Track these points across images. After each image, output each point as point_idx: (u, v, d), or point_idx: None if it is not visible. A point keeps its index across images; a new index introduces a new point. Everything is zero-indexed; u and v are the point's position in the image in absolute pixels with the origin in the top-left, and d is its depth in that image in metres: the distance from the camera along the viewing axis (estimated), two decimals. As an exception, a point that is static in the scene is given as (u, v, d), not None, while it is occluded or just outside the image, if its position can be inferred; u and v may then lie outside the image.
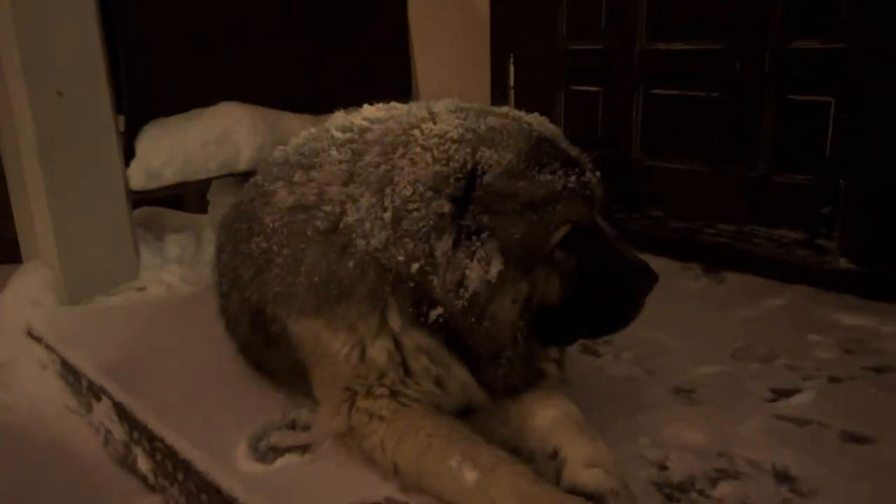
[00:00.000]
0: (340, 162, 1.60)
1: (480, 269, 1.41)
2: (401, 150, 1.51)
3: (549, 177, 1.46)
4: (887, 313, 2.35)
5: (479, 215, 1.42)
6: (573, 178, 1.48)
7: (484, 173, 1.43)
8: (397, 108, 1.71)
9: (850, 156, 2.54)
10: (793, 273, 2.68)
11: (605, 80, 3.21)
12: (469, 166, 1.43)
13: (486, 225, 1.42)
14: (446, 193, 1.42)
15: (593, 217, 1.56)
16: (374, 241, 1.47)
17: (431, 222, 1.42)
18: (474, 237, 1.42)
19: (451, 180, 1.42)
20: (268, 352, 1.81)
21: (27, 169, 2.61)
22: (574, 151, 1.57)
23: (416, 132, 1.52)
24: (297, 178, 1.66)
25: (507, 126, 1.52)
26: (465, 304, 1.43)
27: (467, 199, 1.42)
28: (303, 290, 1.57)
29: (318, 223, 1.56)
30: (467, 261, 1.41)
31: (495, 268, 1.41)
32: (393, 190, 1.46)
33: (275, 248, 1.65)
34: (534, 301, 1.49)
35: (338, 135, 1.68)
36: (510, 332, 1.48)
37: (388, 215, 1.46)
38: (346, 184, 1.56)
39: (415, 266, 1.43)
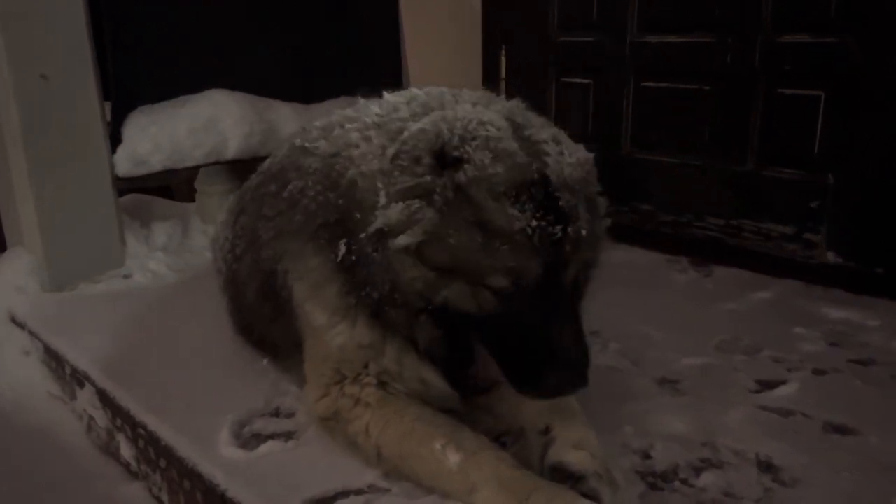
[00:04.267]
0: (377, 114, 1.56)
1: (397, 213, 1.33)
2: (450, 100, 1.50)
3: (515, 212, 1.31)
4: (873, 307, 2.36)
5: (446, 189, 1.33)
6: (541, 228, 1.31)
7: (466, 163, 1.33)
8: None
9: (838, 150, 2.54)
10: (780, 267, 2.69)
11: (596, 72, 3.21)
12: (461, 151, 1.34)
13: (448, 200, 1.32)
14: (438, 146, 1.35)
15: (544, 281, 1.34)
16: (364, 167, 1.43)
17: (420, 157, 1.35)
18: (427, 198, 1.33)
19: (437, 148, 1.35)
20: (275, 324, 1.78)
21: (11, 154, 2.58)
22: (569, 207, 1.35)
23: (465, 97, 1.52)
24: (336, 132, 1.62)
25: (520, 157, 1.36)
26: (374, 233, 1.36)
27: (445, 166, 1.34)
28: (303, 229, 1.56)
29: (337, 167, 1.52)
30: (400, 210, 1.34)
31: (404, 239, 1.32)
32: (409, 132, 1.42)
33: (313, 185, 1.60)
34: (447, 300, 1.36)
35: (390, 98, 1.64)
36: (405, 281, 1.36)
37: (391, 150, 1.40)
38: (369, 128, 1.53)
39: (382, 193, 1.37)
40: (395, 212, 1.34)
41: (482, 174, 1.32)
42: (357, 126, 1.57)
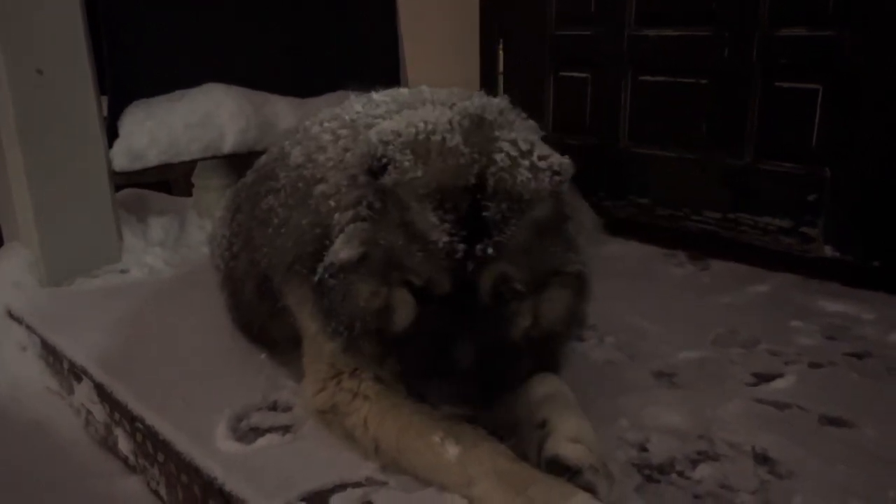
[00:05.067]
0: (357, 112, 1.60)
1: (340, 243, 1.38)
2: (426, 99, 1.53)
3: (434, 220, 1.30)
4: (869, 301, 2.36)
5: (375, 199, 1.37)
6: (448, 244, 1.30)
7: (386, 171, 1.34)
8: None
9: (835, 144, 2.54)
10: (777, 260, 2.69)
11: (593, 66, 3.21)
12: (387, 157, 1.34)
13: (375, 208, 1.37)
14: (368, 163, 1.37)
15: (454, 293, 1.34)
16: (323, 186, 1.47)
17: (356, 175, 1.41)
18: (362, 212, 1.39)
19: (366, 164, 1.37)
20: (273, 320, 1.79)
21: (7, 149, 2.57)
22: (494, 220, 1.31)
23: (438, 97, 1.54)
24: (314, 130, 1.66)
25: (462, 157, 1.34)
26: (328, 266, 1.40)
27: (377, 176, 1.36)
28: (283, 261, 1.57)
29: (300, 184, 1.56)
30: (343, 230, 1.39)
31: (345, 253, 1.37)
32: (352, 151, 1.47)
33: (279, 210, 1.65)
34: (392, 316, 1.40)
35: (377, 95, 1.67)
36: (359, 303, 1.40)
37: (349, 156, 1.45)
38: (344, 126, 1.56)
39: (336, 216, 1.41)
40: (338, 244, 1.39)
41: (403, 177, 1.33)
42: (333, 125, 1.61)
